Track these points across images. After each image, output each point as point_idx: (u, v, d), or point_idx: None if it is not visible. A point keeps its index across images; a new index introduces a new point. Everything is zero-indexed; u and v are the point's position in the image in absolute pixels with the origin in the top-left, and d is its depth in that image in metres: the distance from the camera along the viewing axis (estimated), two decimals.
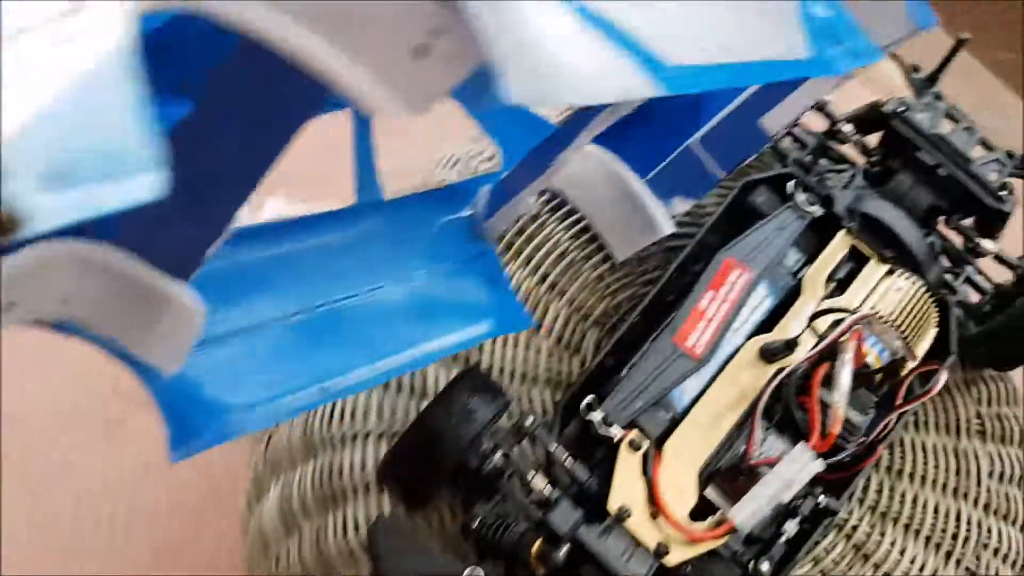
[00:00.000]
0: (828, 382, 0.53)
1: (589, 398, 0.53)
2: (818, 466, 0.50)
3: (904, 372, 0.55)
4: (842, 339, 0.52)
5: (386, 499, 0.53)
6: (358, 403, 0.56)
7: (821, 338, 0.53)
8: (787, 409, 0.53)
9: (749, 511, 0.49)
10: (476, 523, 0.50)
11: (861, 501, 0.59)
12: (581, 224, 0.62)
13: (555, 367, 0.59)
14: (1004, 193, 0.60)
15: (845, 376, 0.50)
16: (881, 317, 0.55)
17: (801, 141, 0.65)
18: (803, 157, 0.64)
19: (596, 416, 0.53)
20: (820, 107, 0.63)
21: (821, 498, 0.53)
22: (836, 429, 0.50)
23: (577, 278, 0.61)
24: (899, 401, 0.54)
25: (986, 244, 0.61)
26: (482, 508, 0.51)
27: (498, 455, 0.49)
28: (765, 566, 0.51)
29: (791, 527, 0.52)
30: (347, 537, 0.53)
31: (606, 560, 0.47)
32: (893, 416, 0.53)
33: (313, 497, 0.55)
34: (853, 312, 0.53)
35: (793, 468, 0.49)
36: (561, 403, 0.55)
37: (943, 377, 0.53)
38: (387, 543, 0.48)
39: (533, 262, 0.61)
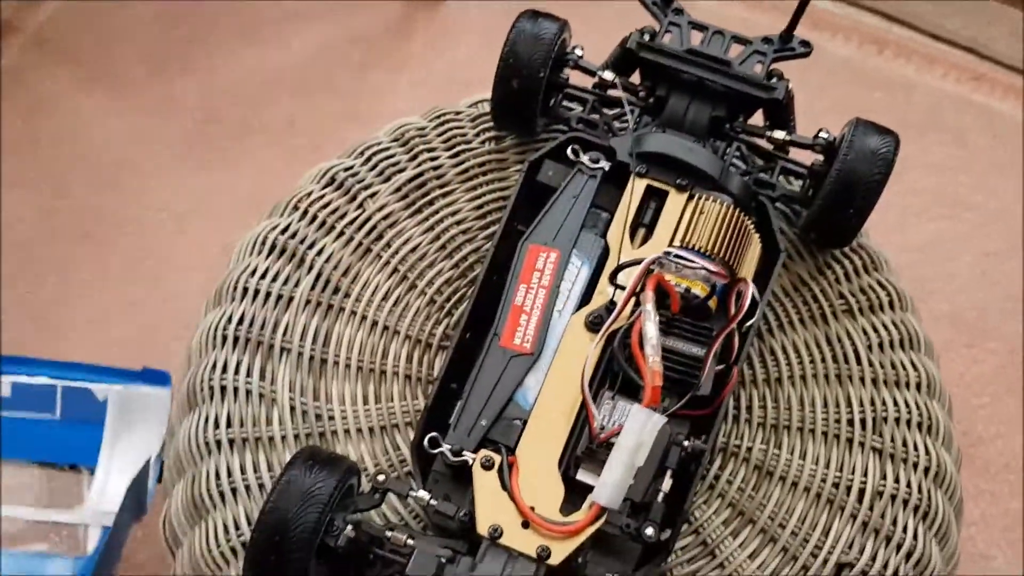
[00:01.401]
0: None
1: (429, 436, 0.53)
2: (659, 420, 0.49)
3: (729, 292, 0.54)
4: (640, 289, 0.51)
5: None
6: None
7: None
8: (625, 371, 0.53)
9: (609, 486, 0.49)
10: None
11: (749, 422, 0.59)
12: (395, 258, 0.62)
13: (412, 407, 0.59)
14: (773, 81, 0.59)
15: (650, 328, 0.50)
16: (690, 246, 0.54)
17: (578, 99, 0.64)
18: (585, 115, 0.63)
19: (444, 449, 0.52)
20: (576, 65, 0.62)
21: (686, 443, 0.52)
22: (657, 382, 0.49)
23: (408, 311, 0.61)
24: (727, 322, 0.53)
25: (777, 134, 0.60)
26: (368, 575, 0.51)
27: (348, 528, 0.48)
28: (650, 530, 0.50)
29: (665, 483, 0.51)
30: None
31: None
32: (721, 337, 0.52)
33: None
34: (641, 261, 0.52)
35: (634, 431, 0.49)
36: (412, 447, 0.55)
37: (748, 290, 0.52)
38: None
39: (358, 312, 0.60)
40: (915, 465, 0.57)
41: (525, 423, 0.53)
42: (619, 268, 0.53)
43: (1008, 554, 0.96)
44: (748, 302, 0.52)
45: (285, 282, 0.61)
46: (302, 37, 1.21)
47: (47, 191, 1.11)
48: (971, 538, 0.96)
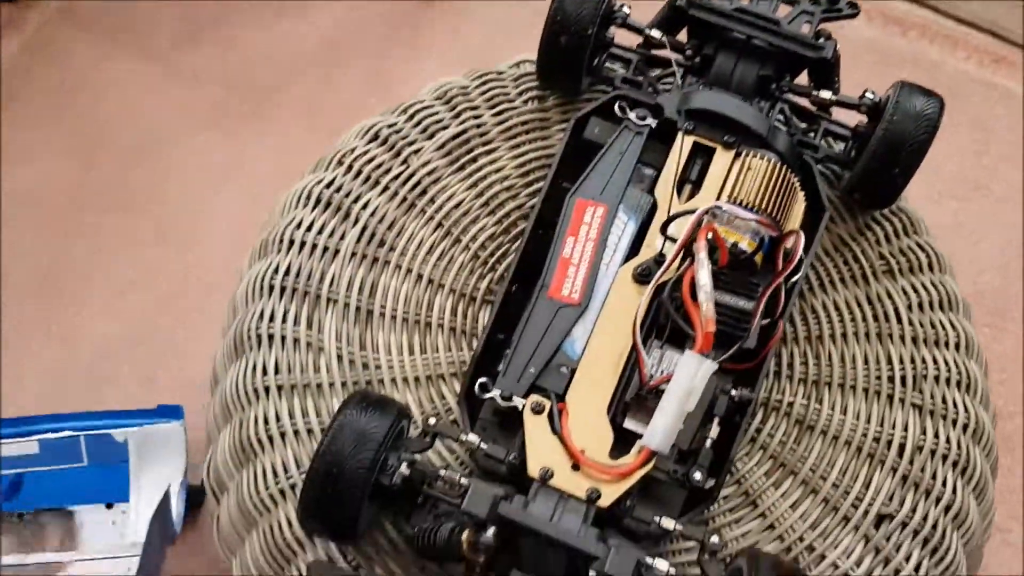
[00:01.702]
0: None
1: (480, 381, 0.54)
2: (711, 366, 0.50)
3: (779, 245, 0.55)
4: (692, 239, 0.52)
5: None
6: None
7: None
8: (674, 321, 0.53)
9: (659, 430, 0.49)
10: (415, 533, 0.51)
11: (790, 378, 0.59)
12: (439, 213, 0.63)
13: (457, 358, 0.59)
14: (821, 40, 0.60)
15: (703, 275, 0.50)
16: (737, 202, 0.54)
17: (623, 60, 0.65)
18: (630, 75, 0.64)
19: (495, 394, 0.53)
20: (624, 23, 0.62)
21: (734, 392, 0.53)
22: (710, 328, 0.50)
23: (452, 265, 0.62)
24: (776, 275, 0.53)
25: (823, 94, 0.61)
26: (417, 516, 0.52)
27: (403, 466, 0.49)
28: (698, 474, 0.51)
29: (713, 430, 0.52)
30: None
31: (534, 525, 0.47)
32: (769, 291, 0.53)
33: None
34: (694, 211, 0.53)
35: (686, 376, 0.49)
36: (461, 394, 0.55)
37: (800, 240, 0.53)
38: None
39: (403, 266, 0.61)
40: (954, 422, 0.58)
41: (573, 372, 0.54)
42: (671, 219, 0.54)
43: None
44: (799, 253, 0.53)
45: (331, 235, 0.62)
46: (329, 8, 1.22)
47: (76, 161, 1.12)
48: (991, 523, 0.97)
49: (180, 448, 0.82)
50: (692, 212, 0.53)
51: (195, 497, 0.85)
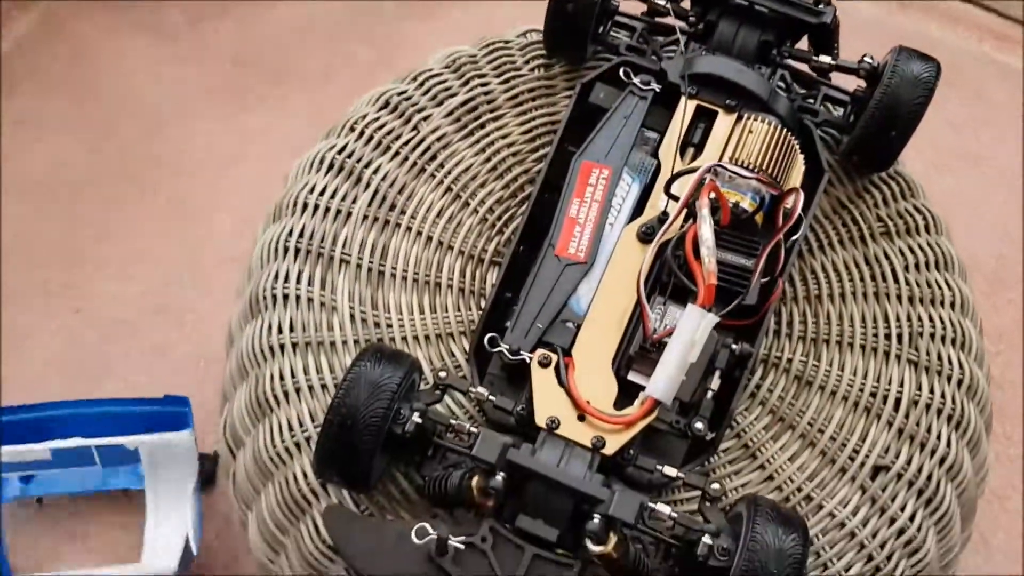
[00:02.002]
0: None
1: (488, 336, 0.55)
2: (712, 319, 0.51)
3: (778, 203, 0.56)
4: (695, 197, 0.53)
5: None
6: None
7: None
8: (677, 277, 0.55)
9: (663, 380, 0.51)
10: (425, 481, 0.53)
11: (790, 336, 0.61)
12: (448, 178, 0.64)
13: (465, 317, 0.61)
14: (821, 6, 0.61)
15: (706, 230, 0.52)
16: (738, 163, 0.56)
17: (627, 27, 0.67)
18: (634, 42, 0.66)
19: (504, 348, 0.55)
20: None
21: (734, 346, 0.54)
22: (712, 280, 0.52)
23: (461, 228, 0.63)
24: (776, 231, 0.55)
25: (823, 59, 0.62)
26: (428, 466, 0.54)
27: (415, 416, 0.51)
28: (699, 424, 0.53)
29: (714, 382, 0.54)
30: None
31: (542, 470, 0.49)
32: (769, 248, 0.54)
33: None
34: (695, 171, 0.54)
35: (689, 328, 0.51)
36: (471, 349, 0.57)
37: (800, 198, 0.55)
38: (341, 529, 0.51)
39: (414, 228, 0.63)
40: (948, 377, 0.60)
41: (579, 327, 0.55)
42: (674, 178, 0.56)
43: (1022, 494, 0.98)
44: (799, 211, 0.54)
45: (343, 198, 0.63)
46: None
47: (91, 134, 1.13)
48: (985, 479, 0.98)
49: (192, 459, 0.85)
50: (694, 171, 0.55)
51: (205, 463, 0.87)
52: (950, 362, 0.60)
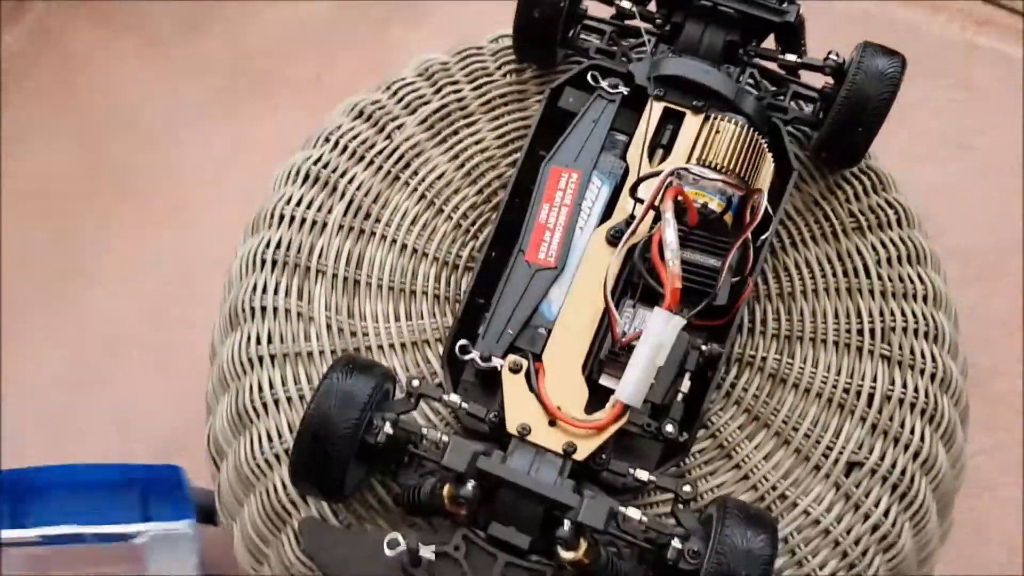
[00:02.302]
0: None
1: (460, 343, 0.56)
2: (678, 322, 0.52)
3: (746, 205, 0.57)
4: (659, 200, 0.54)
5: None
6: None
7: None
8: (646, 280, 0.55)
9: (631, 384, 0.51)
10: (400, 491, 0.54)
11: (764, 334, 0.61)
12: (422, 185, 0.65)
13: (441, 324, 0.62)
14: (785, 5, 0.61)
15: (670, 234, 0.52)
16: (706, 163, 0.56)
17: (597, 31, 0.67)
18: (604, 45, 0.66)
19: (474, 355, 0.56)
20: None
21: (704, 347, 0.55)
22: (676, 284, 0.52)
23: (435, 235, 0.64)
24: (741, 232, 0.55)
25: (789, 57, 0.63)
26: (404, 475, 0.54)
27: (387, 426, 0.51)
28: (669, 427, 0.53)
29: (684, 384, 0.54)
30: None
31: (511, 477, 0.50)
32: (735, 248, 0.55)
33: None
34: (659, 174, 0.55)
35: (655, 332, 0.51)
36: (443, 357, 0.58)
37: (763, 199, 0.55)
38: (316, 540, 0.52)
39: (388, 236, 0.63)
40: (922, 371, 0.60)
41: (550, 332, 0.56)
42: (639, 181, 0.56)
43: (1015, 484, 0.98)
44: (763, 210, 0.55)
45: (319, 209, 0.64)
46: None
47: (84, 145, 1.15)
48: (977, 467, 0.98)
49: (194, 547, 0.83)
50: (659, 174, 0.55)
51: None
52: (923, 356, 0.60)
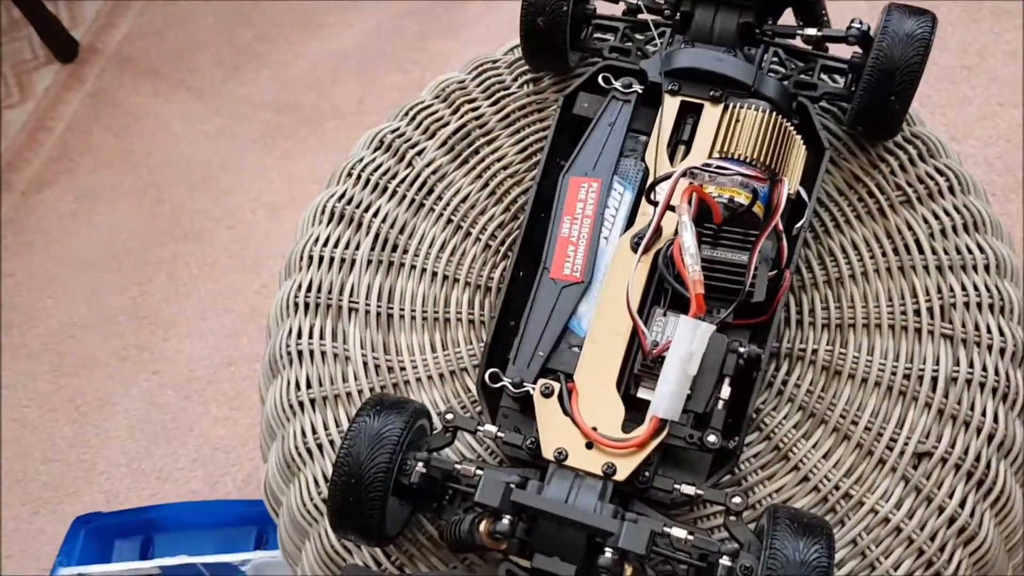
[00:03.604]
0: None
1: (490, 372, 0.55)
2: (707, 328, 0.49)
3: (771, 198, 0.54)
4: (675, 201, 0.51)
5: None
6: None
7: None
8: (673, 287, 0.53)
9: (665, 398, 0.49)
10: (441, 528, 0.53)
11: (813, 324, 0.58)
12: (447, 209, 0.64)
13: (477, 349, 0.60)
14: None
15: (687, 238, 0.50)
16: (730, 155, 0.54)
17: (610, 28, 0.65)
18: (617, 43, 0.64)
19: (506, 382, 0.54)
20: None
21: (741, 349, 0.52)
22: (699, 290, 0.49)
23: (465, 259, 0.63)
24: (765, 225, 0.53)
25: (808, 31, 0.59)
26: (448, 511, 0.53)
27: (419, 465, 0.50)
28: (712, 437, 0.51)
29: (724, 391, 0.51)
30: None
31: (546, 507, 0.48)
32: (760, 241, 0.52)
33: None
34: (669, 176, 0.52)
35: (684, 341, 0.49)
36: (478, 385, 0.56)
37: (783, 188, 0.52)
38: None
39: (418, 266, 0.62)
40: (989, 347, 0.56)
41: (582, 349, 0.54)
42: (654, 185, 0.54)
43: None
44: (784, 200, 0.52)
45: (347, 246, 0.63)
46: (361, 19, 1.24)
47: (147, 199, 1.17)
48: None
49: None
50: (667, 176, 0.53)
51: None
52: (989, 331, 0.56)
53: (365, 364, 0.60)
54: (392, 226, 0.64)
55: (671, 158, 0.58)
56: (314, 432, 0.59)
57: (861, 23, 0.58)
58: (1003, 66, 1.07)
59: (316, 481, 0.58)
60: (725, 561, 0.46)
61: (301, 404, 0.60)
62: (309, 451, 0.59)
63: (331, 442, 0.59)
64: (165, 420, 1.05)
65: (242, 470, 1.01)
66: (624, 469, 0.50)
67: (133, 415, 1.05)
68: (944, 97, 1.06)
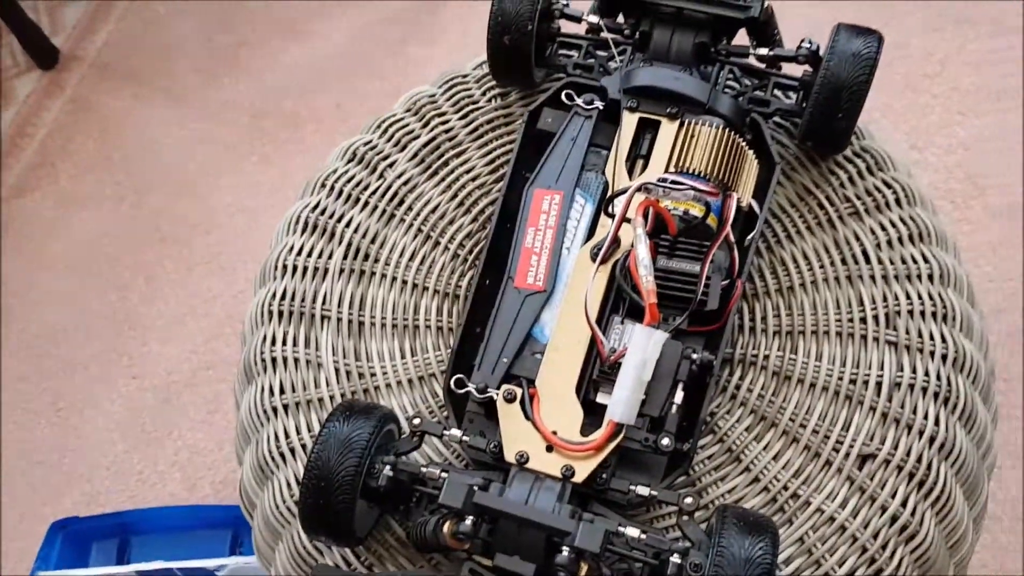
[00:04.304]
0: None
1: (455, 377, 0.57)
2: (660, 336, 0.52)
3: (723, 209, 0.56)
4: (630, 214, 0.54)
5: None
6: None
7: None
8: (630, 297, 0.56)
9: (620, 402, 0.52)
10: (407, 529, 0.55)
11: (765, 331, 0.61)
12: (417, 220, 0.66)
13: (446, 356, 0.63)
14: (747, 0, 0.61)
15: (641, 249, 0.52)
16: (685, 169, 0.56)
17: (574, 46, 0.67)
18: (581, 60, 0.66)
19: (470, 388, 0.56)
20: (563, 13, 0.64)
21: (695, 355, 0.55)
22: (651, 299, 0.52)
23: (434, 267, 0.65)
24: (716, 236, 0.55)
25: (760, 50, 0.62)
26: (415, 513, 0.56)
27: (387, 468, 0.53)
28: (666, 440, 0.53)
29: (677, 395, 0.54)
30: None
31: (506, 508, 0.50)
32: (712, 252, 0.54)
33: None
34: (625, 190, 0.55)
35: (638, 348, 0.52)
36: (444, 390, 0.59)
37: (732, 201, 0.54)
38: None
39: (388, 275, 0.65)
40: (932, 353, 0.58)
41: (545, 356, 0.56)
42: (611, 198, 0.56)
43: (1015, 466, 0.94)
44: (733, 212, 0.54)
45: (319, 256, 0.66)
46: (340, 25, 1.26)
47: (126, 204, 1.19)
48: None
49: None
50: (623, 191, 0.55)
51: None
52: (932, 338, 0.59)
53: (337, 370, 0.63)
54: (364, 236, 0.66)
55: (630, 172, 0.60)
56: (287, 436, 0.61)
57: (811, 43, 0.60)
58: (964, 75, 1.10)
59: (289, 484, 0.60)
60: (675, 559, 0.49)
61: (275, 409, 0.62)
62: (282, 455, 0.61)
63: (303, 446, 0.61)
64: (144, 423, 1.06)
65: (219, 473, 1.03)
66: (582, 471, 0.53)
67: (113, 418, 1.07)
68: (906, 105, 1.09)
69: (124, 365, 1.10)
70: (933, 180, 1.03)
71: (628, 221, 0.56)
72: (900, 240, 0.62)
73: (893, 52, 1.12)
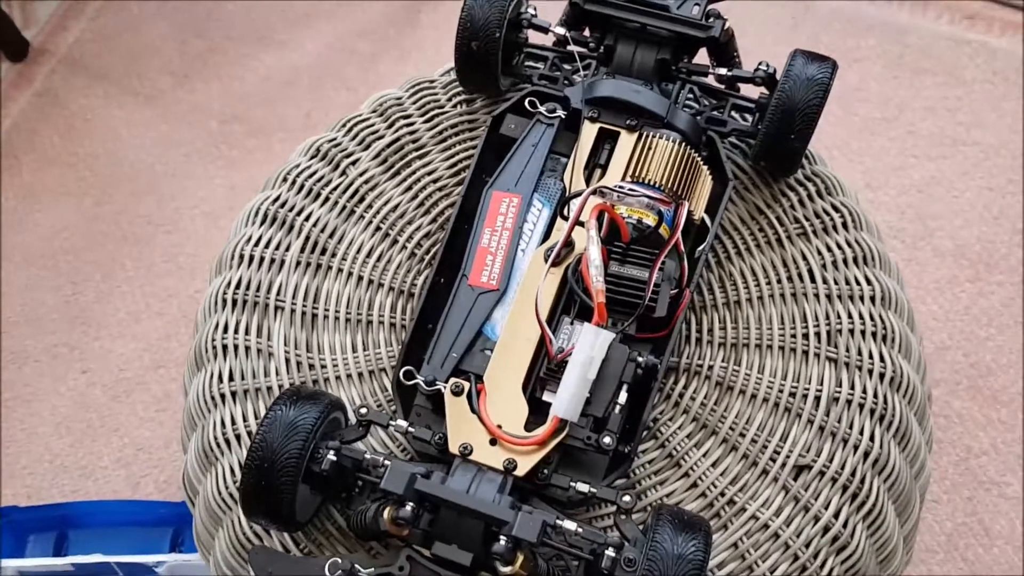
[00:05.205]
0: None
1: (404, 369, 0.58)
2: (607, 336, 0.53)
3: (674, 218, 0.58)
4: (584, 218, 0.55)
5: None
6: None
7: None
8: (581, 298, 0.57)
9: (565, 399, 0.53)
10: (348, 516, 0.55)
11: (711, 343, 0.62)
12: (377, 217, 0.67)
13: (397, 352, 0.63)
14: (710, 20, 0.63)
15: (592, 251, 0.54)
16: (641, 180, 0.58)
17: (540, 57, 0.69)
18: (546, 71, 0.68)
19: (419, 380, 0.57)
20: (531, 24, 0.66)
21: (640, 359, 0.56)
22: (600, 299, 0.53)
23: (391, 265, 0.66)
24: (665, 245, 0.57)
25: (719, 70, 0.64)
26: (357, 501, 0.56)
27: (330, 454, 0.53)
28: (607, 439, 0.54)
29: (621, 396, 0.55)
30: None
31: (447, 496, 0.51)
32: (660, 260, 0.56)
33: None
34: (580, 193, 0.56)
35: (585, 347, 0.53)
36: (392, 382, 0.59)
37: (683, 209, 0.56)
38: (264, 568, 0.53)
39: (345, 269, 0.65)
40: (870, 372, 0.60)
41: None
42: (567, 201, 0.58)
43: (1022, 480, 0.97)
44: (683, 219, 0.56)
45: (277, 247, 0.66)
46: (313, 36, 1.27)
47: (88, 200, 1.18)
48: (983, 467, 0.97)
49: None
50: (577, 194, 0.56)
51: None
52: (871, 356, 0.60)
53: (287, 360, 0.63)
54: (323, 230, 0.67)
55: (588, 180, 0.62)
56: (233, 423, 0.62)
57: (768, 66, 0.63)
58: (920, 120, 1.14)
59: (232, 470, 0.61)
60: (610, 552, 0.49)
61: (223, 396, 0.63)
62: (227, 441, 0.61)
63: (249, 433, 0.61)
64: (91, 419, 1.06)
65: (164, 472, 1.02)
66: (524, 465, 0.54)
67: (60, 412, 1.06)
68: (863, 146, 1.12)
69: (74, 360, 1.09)
70: (887, 219, 1.06)
71: (582, 225, 0.57)
72: (845, 262, 0.63)
73: (853, 95, 1.16)
